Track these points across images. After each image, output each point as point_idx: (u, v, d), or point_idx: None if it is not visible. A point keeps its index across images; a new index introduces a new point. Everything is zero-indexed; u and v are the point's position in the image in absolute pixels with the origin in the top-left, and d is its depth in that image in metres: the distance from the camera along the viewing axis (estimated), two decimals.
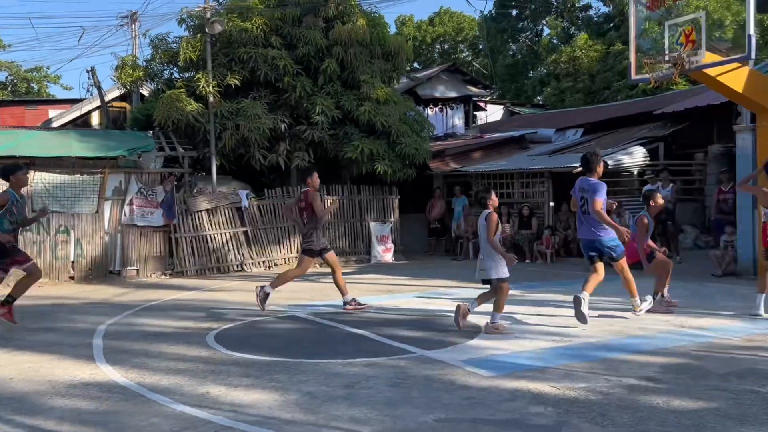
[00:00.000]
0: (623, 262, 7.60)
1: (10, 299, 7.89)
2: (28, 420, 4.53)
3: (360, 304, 8.72)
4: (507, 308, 8.50)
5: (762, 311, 7.60)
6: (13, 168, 8.11)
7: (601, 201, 7.28)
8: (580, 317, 7.13)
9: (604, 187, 7.41)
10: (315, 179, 8.99)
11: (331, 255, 8.88)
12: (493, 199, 7.20)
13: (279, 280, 8.96)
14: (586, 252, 7.71)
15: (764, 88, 10.35)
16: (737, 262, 11.23)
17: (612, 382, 5.09)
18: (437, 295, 10.02)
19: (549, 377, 5.30)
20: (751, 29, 9.24)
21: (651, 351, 6.12)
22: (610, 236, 7.43)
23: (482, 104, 25.03)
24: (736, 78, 9.92)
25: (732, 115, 12.96)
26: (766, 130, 10.49)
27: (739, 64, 9.85)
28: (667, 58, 9.74)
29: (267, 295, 8.68)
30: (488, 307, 7.24)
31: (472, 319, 7.62)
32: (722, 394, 4.77)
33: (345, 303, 8.74)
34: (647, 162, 14.83)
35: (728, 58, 9.80)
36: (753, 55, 9.46)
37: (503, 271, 7.07)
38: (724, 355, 5.92)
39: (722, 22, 23.63)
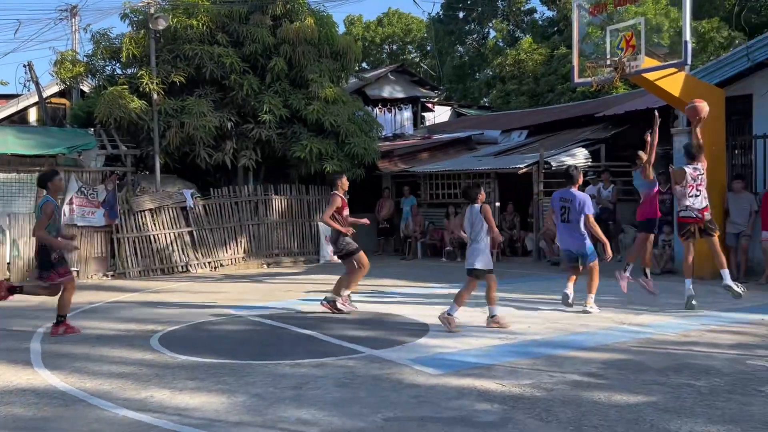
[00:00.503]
0: (596, 264, 8.19)
1: (61, 318, 7.47)
2: None
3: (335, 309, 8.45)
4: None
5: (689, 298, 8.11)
6: (51, 174, 7.78)
7: (591, 215, 8.04)
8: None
9: (590, 200, 8.26)
10: (344, 182, 8.82)
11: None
12: (482, 194, 7.55)
13: (353, 281, 8.56)
14: (568, 257, 8.41)
15: (699, 93, 10.76)
16: (674, 261, 11.65)
17: (556, 379, 5.21)
18: (386, 294, 10.05)
19: (495, 374, 5.38)
20: (688, 36, 9.59)
21: (593, 347, 6.29)
22: (589, 244, 8.13)
23: (430, 105, 25.24)
24: (673, 83, 10.29)
25: (669, 118, 13.42)
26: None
27: (676, 70, 10.22)
28: (608, 62, 10.02)
29: (335, 306, 8.35)
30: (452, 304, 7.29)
31: (419, 318, 7.69)
32: (660, 388, 4.93)
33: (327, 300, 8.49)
34: (589, 163, 15.22)
35: (666, 63, 10.16)
36: (689, 61, 9.83)
37: (490, 263, 7.37)
38: (661, 350, 6.13)
39: (661, 28, 24.45)
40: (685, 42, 9.55)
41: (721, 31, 23.83)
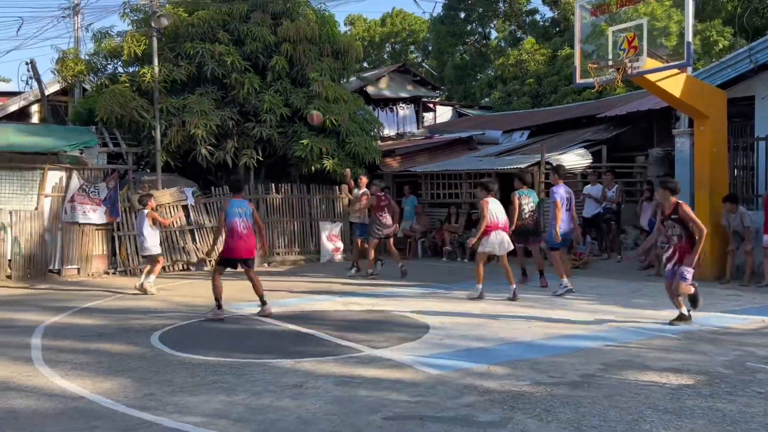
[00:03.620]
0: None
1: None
2: None
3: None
4: (452, 307, 8.63)
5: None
6: None
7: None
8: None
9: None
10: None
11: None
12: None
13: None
14: (567, 242, 9.93)
15: (701, 95, 10.77)
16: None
17: (556, 379, 5.21)
18: (386, 294, 10.04)
19: (495, 374, 5.38)
20: (689, 37, 9.59)
21: (593, 348, 6.28)
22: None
23: (431, 105, 25.24)
24: (674, 84, 10.28)
25: (671, 119, 13.41)
26: (702, 134, 10.90)
27: (678, 71, 10.21)
28: (610, 63, 10.00)
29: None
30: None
31: (419, 317, 7.70)
32: (661, 389, 4.93)
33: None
34: (590, 164, 15.21)
35: (668, 64, 10.15)
36: (691, 62, 9.82)
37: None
38: (662, 351, 6.13)
39: (663, 29, 24.42)
40: (688, 43, 9.55)
41: (724, 34, 23.80)
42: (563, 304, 8.81)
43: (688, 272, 7.08)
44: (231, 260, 8.34)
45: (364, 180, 12.85)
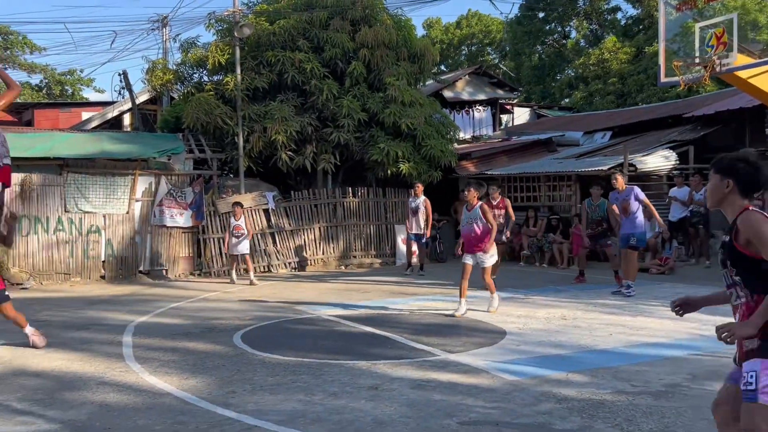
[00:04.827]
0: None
1: None
2: (60, 415, 4.64)
3: None
4: (529, 312, 8.49)
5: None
6: None
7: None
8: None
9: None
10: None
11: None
12: None
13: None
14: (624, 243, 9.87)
15: None
16: None
17: (638, 388, 5.05)
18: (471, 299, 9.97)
19: (574, 382, 5.26)
20: None
21: (679, 357, 6.05)
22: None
23: (509, 107, 24.91)
24: None
25: (766, 118, 12.73)
26: None
27: None
28: (697, 60, 9.62)
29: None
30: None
31: (496, 323, 7.61)
32: None
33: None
34: (676, 165, 14.63)
35: (761, 60, 9.64)
36: None
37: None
38: None
39: (756, 23, 23.20)
40: None
41: None
42: (647, 311, 8.51)
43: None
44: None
45: (420, 188, 13.14)
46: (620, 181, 9.86)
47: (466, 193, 8.57)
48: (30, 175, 12.64)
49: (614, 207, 10.01)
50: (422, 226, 12.94)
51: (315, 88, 14.82)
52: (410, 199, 13.30)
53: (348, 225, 15.52)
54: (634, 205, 9.66)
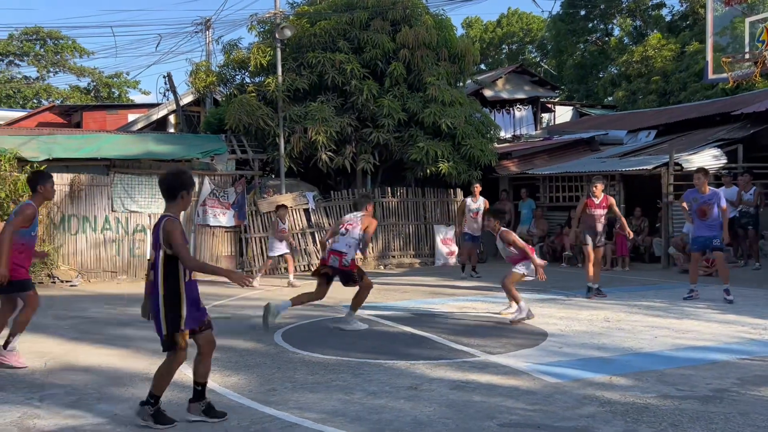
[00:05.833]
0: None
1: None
2: (108, 409, 4.76)
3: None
4: (572, 314, 8.38)
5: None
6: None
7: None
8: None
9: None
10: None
11: None
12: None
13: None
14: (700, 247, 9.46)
15: None
16: None
17: (684, 393, 4.93)
18: (503, 299, 9.89)
19: (618, 385, 5.17)
20: None
21: (726, 361, 5.88)
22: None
23: (550, 105, 24.60)
24: None
25: None
26: None
27: None
28: (746, 56, 9.35)
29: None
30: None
31: (537, 324, 7.53)
32: None
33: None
34: (724, 164, 14.24)
35: None
36: None
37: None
38: None
39: None
40: None
41: None
42: (693, 313, 8.31)
43: None
44: None
45: (478, 188, 12.89)
46: (705, 184, 9.33)
47: (485, 223, 8.47)
48: (79, 175, 13.00)
49: (684, 204, 9.65)
50: (482, 227, 12.62)
51: (355, 88, 14.88)
52: (468, 200, 12.79)
53: (387, 225, 15.54)
54: (716, 211, 9.23)
